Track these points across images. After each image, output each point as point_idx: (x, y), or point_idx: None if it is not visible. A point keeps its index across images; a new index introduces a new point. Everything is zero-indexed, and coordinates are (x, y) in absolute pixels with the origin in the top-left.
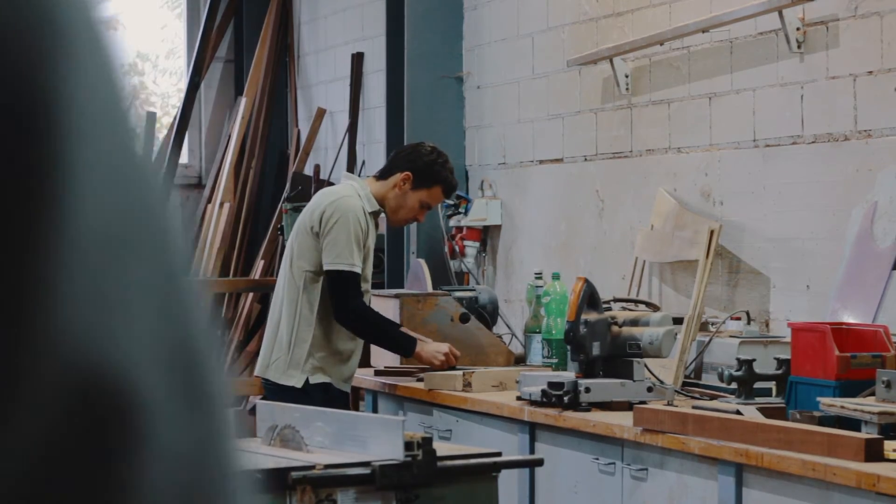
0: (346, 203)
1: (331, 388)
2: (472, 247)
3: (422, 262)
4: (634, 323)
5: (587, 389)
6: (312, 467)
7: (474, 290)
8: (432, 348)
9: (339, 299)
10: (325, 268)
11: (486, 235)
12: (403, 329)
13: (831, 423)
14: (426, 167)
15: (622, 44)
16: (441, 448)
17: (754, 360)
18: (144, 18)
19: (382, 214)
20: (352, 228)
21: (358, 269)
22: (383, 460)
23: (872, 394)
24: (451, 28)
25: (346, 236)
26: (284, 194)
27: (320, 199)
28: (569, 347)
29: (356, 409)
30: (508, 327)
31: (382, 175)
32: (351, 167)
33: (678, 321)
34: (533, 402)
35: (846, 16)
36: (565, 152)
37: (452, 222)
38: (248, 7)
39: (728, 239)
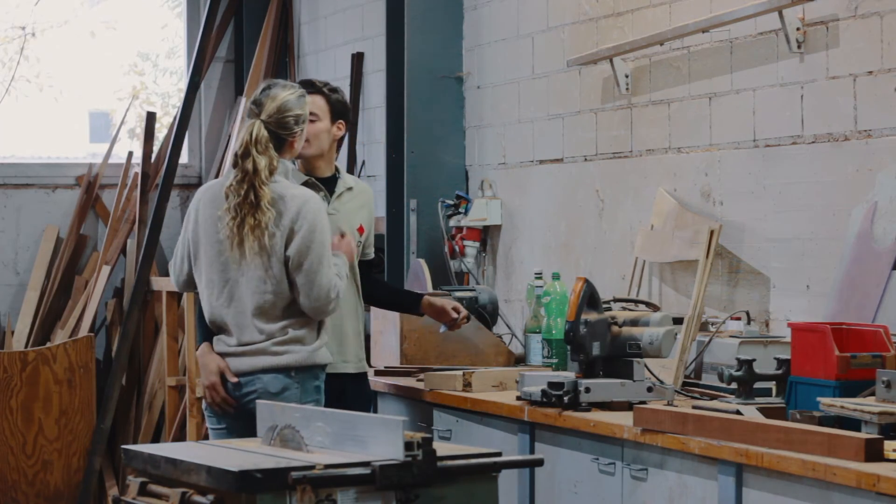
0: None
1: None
2: (472, 247)
3: (422, 262)
4: (634, 323)
5: (587, 389)
6: (312, 467)
7: (474, 290)
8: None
9: None
10: None
11: (486, 235)
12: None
13: (831, 423)
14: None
15: (622, 44)
16: (441, 448)
17: (754, 360)
18: (144, 18)
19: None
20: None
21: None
22: (383, 460)
23: (872, 394)
24: (451, 28)
25: None
26: None
27: None
28: (569, 347)
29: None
30: (508, 327)
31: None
32: (351, 167)
33: (678, 321)
34: (533, 402)
35: (846, 16)
36: (565, 152)
37: (452, 222)
38: (248, 7)
39: (728, 239)
